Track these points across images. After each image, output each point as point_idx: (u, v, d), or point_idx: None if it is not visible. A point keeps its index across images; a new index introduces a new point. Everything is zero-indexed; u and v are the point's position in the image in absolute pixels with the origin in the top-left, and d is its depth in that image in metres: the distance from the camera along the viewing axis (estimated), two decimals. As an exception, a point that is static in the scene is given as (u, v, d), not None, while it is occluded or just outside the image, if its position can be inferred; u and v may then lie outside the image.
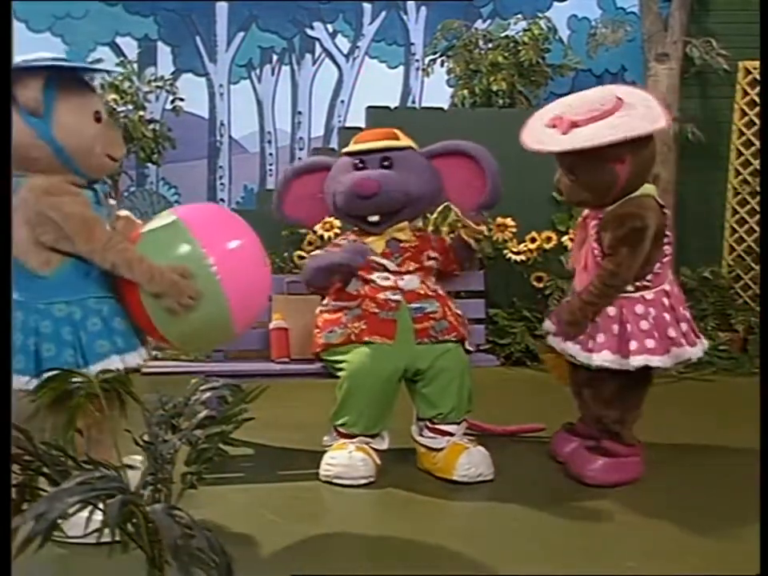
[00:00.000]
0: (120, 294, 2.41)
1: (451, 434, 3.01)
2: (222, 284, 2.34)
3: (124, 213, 2.62)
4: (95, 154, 2.38)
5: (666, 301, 2.94)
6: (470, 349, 3.20)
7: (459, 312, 3.19)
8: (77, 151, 2.34)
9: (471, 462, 2.92)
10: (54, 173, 2.33)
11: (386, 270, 3.09)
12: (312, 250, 5.04)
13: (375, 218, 3.11)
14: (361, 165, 3.12)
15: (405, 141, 3.19)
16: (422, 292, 3.08)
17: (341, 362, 3.01)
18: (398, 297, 3.03)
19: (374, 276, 3.08)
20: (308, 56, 6.35)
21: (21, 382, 2.24)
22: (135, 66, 5.83)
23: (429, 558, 2.33)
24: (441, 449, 2.99)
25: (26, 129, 2.29)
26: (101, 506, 1.48)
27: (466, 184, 3.18)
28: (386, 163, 3.10)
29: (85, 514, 1.48)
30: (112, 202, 2.64)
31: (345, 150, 3.25)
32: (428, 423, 3.04)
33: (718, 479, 3.04)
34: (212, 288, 2.33)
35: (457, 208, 3.29)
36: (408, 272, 3.10)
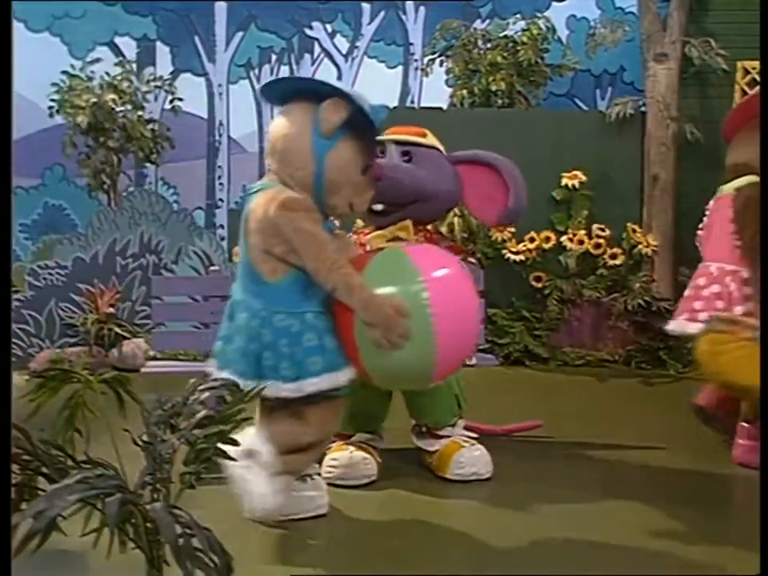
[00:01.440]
0: (334, 315, 2.42)
1: (447, 436, 3.03)
2: (436, 331, 2.32)
3: (345, 234, 2.69)
4: (341, 195, 2.44)
5: None
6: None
7: None
8: (331, 185, 2.40)
9: (466, 460, 2.93)
10: (300, 188, 2.38)
11: None
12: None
13: (378, 207, 3.02)
14: (381, 155, 3.08)
15: (431, 141, 3.15)
16: None
17: None
18: None
19: None
20: (307, 56, 6.35)
21: (245, 384, 2.25)
22: (134, 65, 5.83)
23: (429, 557, 2.32)
24: (434, 451, 3.01)
25: (306, 138, 2.36)
26: (99, 505, 1.48)
27: (487, 196, 3.07)
28: (405, 157, 3.07)
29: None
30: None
31: None
32: (421, 428, 3.07)
33: (717, 479, 3.04)
34: (424, 332, 2.31)
35: (478, 219, 3.24)
36: None
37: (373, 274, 2.40)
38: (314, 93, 2.37)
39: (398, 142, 3.09)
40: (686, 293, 3.40)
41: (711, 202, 3.52)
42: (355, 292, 2.30)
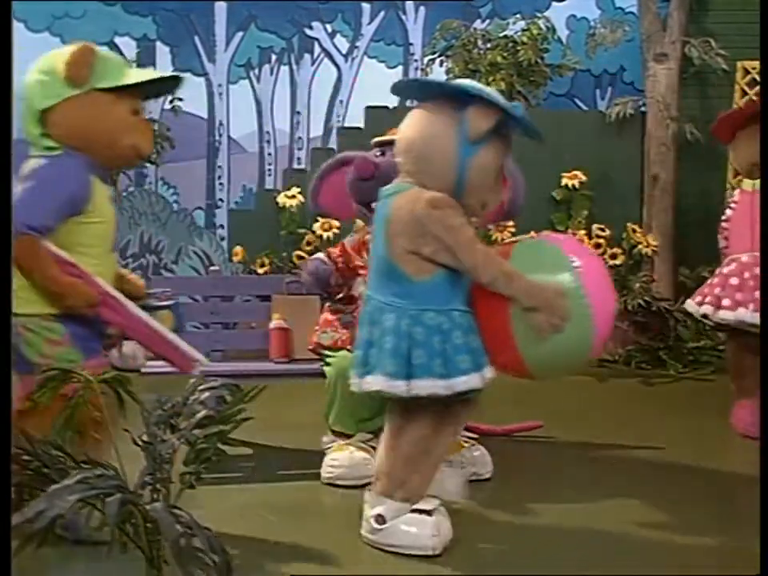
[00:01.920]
0: (481, 311, 2.39)
1: (449, 435, 3.03)
2: (592, 313, 2.31)
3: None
4: (478, 196, 2.42)
5: None
6: None
7: None
8: (471, 187, 2.37)
9: (466, 460, 2.93)
10: (439, 189, 2.35)
11: None
12: (311, 251, 5.05)
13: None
14: (379, 154, 3.11)
15: None
16: None
17: (329, 362, 3.02)
18: None
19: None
20: (307, 56, 6.35)
21: (392, 385, 2.26)
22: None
23: (428, 557, 2.32)
24: None
25: (450, 142, 2.32)
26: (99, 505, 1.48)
27: None
28: None
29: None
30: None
31: (374, 141, 3.22)
32: None
33: (717, 478, 3.04)
34: (582, 314, 2.30)
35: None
36: None
37: (519, 263, 2.37)
38: (457, 95, 2.35)
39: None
40: (733, 281, 3.50)
41: (736, 196, 3.69)
42: (515, 280, 2.28)
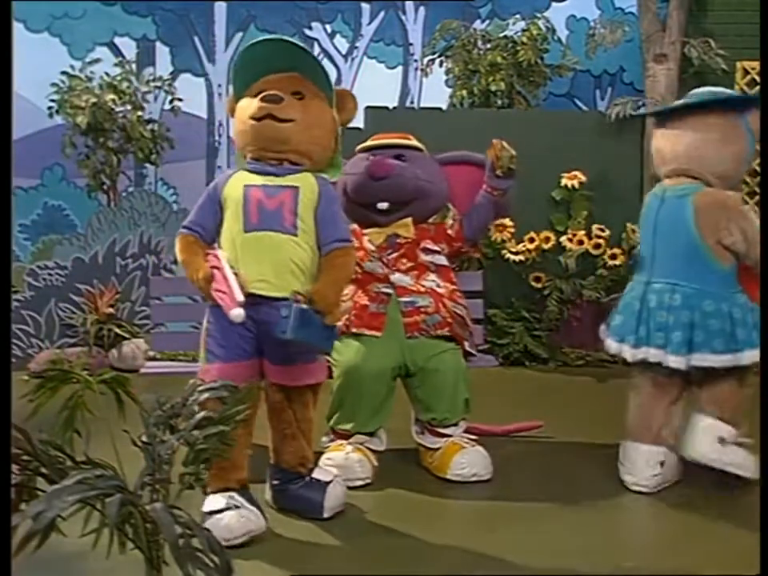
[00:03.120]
0: (753, 285, 2.72)
1: (449, 435, 3.03)
2: None
3: None
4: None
5: None
6: (473, 352, 3.18)
7: (461, 312, 3.16)
8: (735, 174, 2.87)
9: (466, 461, 2.93)
10: (722, 184, 2.74)
11: (380, 260, 3.09)
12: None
13: (384, 205, 3.09)
14: (395, 158, 3.16)
15: (416, 143, 3.25)
16: (414, 288, 3.07)
17: (335, 364, 3.01)
18: (389, 290, 3.04)
19: (368, 264, 3.09)
20: (306, 56, 6.35)
21: (721, 360, 2.65)
22: (133, 66, 5.81)
23: (428, 558, 2.32)
24: (437, 448, 3.01)
25: (743, 141, 2.77)
26: (99, 506, 1.48)
27: (475, 194, 3.28)
28: (401, 158, 3.13)
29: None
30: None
31: (359, 147, 3.27)
32: (426, 425, 3.06)
33: (717, 478, 3.04)
34: None
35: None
36: (400, 270, 3.09)
37: None
38: (730, 102, 2.78)
39: (387, 146, 3.17)
40: None
41: None
42: None
